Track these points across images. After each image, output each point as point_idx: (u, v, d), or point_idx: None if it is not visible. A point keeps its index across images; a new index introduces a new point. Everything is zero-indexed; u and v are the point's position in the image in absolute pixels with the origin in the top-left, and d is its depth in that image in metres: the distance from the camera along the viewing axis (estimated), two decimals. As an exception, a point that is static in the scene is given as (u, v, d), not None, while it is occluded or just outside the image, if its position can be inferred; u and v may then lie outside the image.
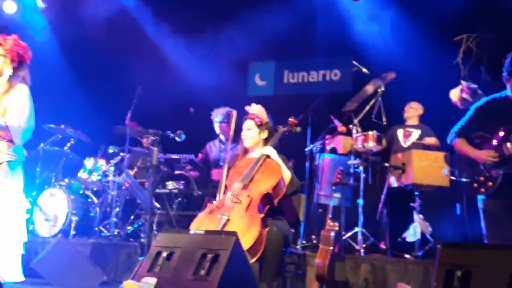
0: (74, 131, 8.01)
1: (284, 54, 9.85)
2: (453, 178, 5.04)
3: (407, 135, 7.26)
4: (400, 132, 7.31)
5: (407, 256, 6.17)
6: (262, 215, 4.52)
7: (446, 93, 7.02)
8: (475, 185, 4.55)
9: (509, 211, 4.46)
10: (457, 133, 4.77)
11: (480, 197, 4.59)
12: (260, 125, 5.07)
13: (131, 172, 7.68)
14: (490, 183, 4.43)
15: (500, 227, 4.49)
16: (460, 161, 4.80)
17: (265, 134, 5.10)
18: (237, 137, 5.29)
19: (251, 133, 5.08)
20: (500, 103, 4.55)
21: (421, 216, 6.21)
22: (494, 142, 4.47)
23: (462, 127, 4.76)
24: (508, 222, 4.48)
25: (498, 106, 4.55)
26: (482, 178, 4.50)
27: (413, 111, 7.37)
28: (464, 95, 6.83)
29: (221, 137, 7.48)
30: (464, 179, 4.67)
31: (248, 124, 5.10)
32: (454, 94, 6.98)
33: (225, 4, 9.51)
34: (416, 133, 7.24)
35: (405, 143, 7.20)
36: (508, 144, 4.34)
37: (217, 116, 7.39)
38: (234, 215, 4.47)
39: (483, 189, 4.48)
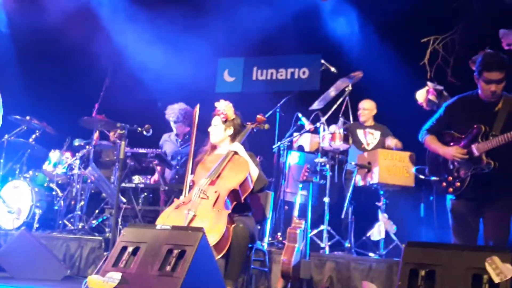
0: (40, 123, 7.89)
1: (254, 50, 9.85)
2: (422, 176, 5.09)
3: (369, 137, 7.32)
4: (360, 133, 7.36)
5: (371, 254, 6.25)
6: (229, 211, 4.53)
7: (413, 93, 7.11)
8: (444, 184, 4.59)
9: (476, 212, 4.52)
10: (428, 130, 4.80)
11: (449, 197, 4.65)
12: (225, 122, 5.08)
13: None
14: (458, 183, 4.48)
15: (467, 228, 4.56)
16: (429, 159, 4.83)
17: (230, 131, 5.10)
18: (198, 133, 5.28)
19: (216, 129, 5.10)
20: (471, 101, 4.58)
21: (385, 215, 6.28)
22: (463, 143, 4.52)
23: (433, 124, 4.79)
24: (475, 223, 4.54)
25: (469, 105, 4.58)
26: (450, 178, 4.54)
27: (369, 112, 7.43)
28: (430, 96, 6.92)
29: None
30: (433, 178, 4.71)
31: (215, 121, 5.12)
32: (420, 95, 7.07)
33: (195, -1, 9.50)
34: (376, 135, 7.31)
35: (368, 146, 7.26)
36: (477, 145, 4.39)
37: (171, 116, 7.42)
38: (200, 211, 4.47)
39: (451, 189, 4.53)
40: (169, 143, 7.70)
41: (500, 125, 4.36)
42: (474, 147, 4.40)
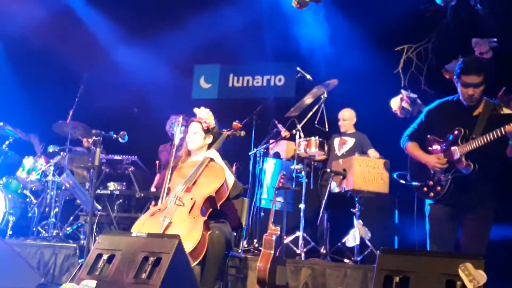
0: (13, 129, 7.83)
1: (230, 57, 9.88)
2: (402, 181, 5.12)
3: (342, 144, 7.39)
4: (336, 141, 7.43)
5: (346, 260, 6.28)
6: (205, 218, 4.52)
7: (387, 101, 7.17)
8: (425, 189, 4.61)
9: (455, 218, 4.51)
10: (409, 136, 4.82)
11: (427, 202, 4.66)
12: (206, 130, 5.08)
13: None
14: (439, 188, 4.50)
15: (444, 234, 4.54)
16: (411, 165, 4.84)
17: (210, 139, 5.10)
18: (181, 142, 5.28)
19: (196, 137, 5.07)
20: (451, 105, 4.60)
21: (360, 221, 6.32)
22: (443, 146, 4.53)
23: (414, 130, 4.81)
24: (453, 230, 4.54)
25: (449, 109, 4.60)
26: (431, 183, 4.55)
27: (348, 123, 7.48)
28: (404, 104, 6.99)
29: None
30: (414, 183, 4.73)
31: (195, 128, 5.09)
32: (394, 103, 7.13)
33: (173, 5, 9.47)
34: (350, 142, 7.37)
35: (339, 151, 7.32)
36: (457, 147, 4.41)
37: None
38: (176, 218, 4.45)
39: (432, 194, 4.54)
40: (164, 153, 7.69)
41: (480, 129, 4.37)
42: (454, 150, 4.42)
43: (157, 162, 7.60)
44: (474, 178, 4.37)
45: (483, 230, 4.46)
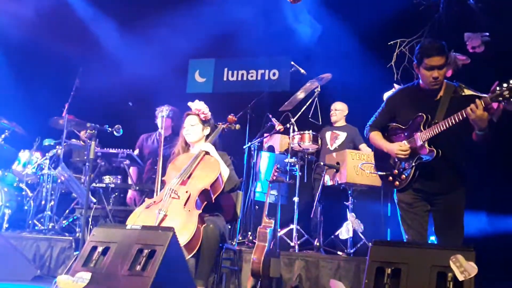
0: (9, 122, 7.83)
1: (224, 52, 9.91)
2: (368, 172, 5.05)
3: (334, 138, 7.42)
4: (328, 135, 7.47)
5: (339, 253, 6.34)
6: (200, 211, 4.55)
7: (381, 95, 7.21)
8: (390, 178, 4.50)
9: (424, 203, 4.38)
10: (372, 126, 4.71)
11: (396, 190, 4.54)
12: (204, 121, 5.13)
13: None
14: (403, 176, 4.39)
15: (416, 215, 4.39)
16: (376, 154, 4.75)
17: (207, 131, 5.15)
18: (173, 135, 5.30)
19: (195, 129, 5.11)
20: (412, 92, 4.49)
21: (353, 214, 6.37)
22: (406, 133, 4.41)
23: (376, 119, 4.70)
24: (423, 213, 4.39)
25: (410, 95, 4.49)
26: (396, 171, 4.45)
27: (340, 113, 7.53)
28: (397, 98, 7.02)
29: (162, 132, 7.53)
30: (380, 173, 4.61)
31: (192, 120, 5.13)
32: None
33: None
34: (342, 136, 7.41)
35: (331, 146, 7.36)
36: (420, 134, 4.27)
37: (162, 111, 7.45)
38: (171, 211, 4.49)
39: (397, 182, 4.44)
40: (149, 143, 7.70)
41: (442, 113, 4.25)
42: (417, 136, 4.29)
43: (137, 148, 7.60)
44: (439, 164, 4.25)
45: (456, 218, 4.36)
